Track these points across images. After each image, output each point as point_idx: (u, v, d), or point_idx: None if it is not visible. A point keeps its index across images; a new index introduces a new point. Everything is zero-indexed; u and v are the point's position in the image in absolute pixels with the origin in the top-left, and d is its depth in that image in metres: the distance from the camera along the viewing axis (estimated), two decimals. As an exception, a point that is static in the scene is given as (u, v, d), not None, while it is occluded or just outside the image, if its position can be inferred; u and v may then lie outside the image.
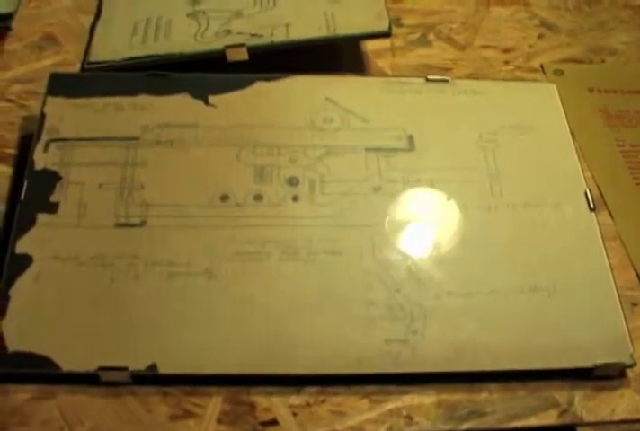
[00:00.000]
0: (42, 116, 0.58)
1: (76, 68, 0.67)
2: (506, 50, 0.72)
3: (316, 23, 0.66)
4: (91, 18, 0.71)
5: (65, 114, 0.58)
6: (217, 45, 0.65)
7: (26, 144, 0.60)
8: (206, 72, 0.62)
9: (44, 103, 0.58)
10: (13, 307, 0.50)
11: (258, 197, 0.55)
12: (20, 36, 0.69)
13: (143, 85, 0.59)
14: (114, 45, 0.66)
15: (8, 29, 0.64)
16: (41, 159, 0.56)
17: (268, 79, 0.61)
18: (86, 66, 0.65)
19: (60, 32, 0.70)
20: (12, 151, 0.61)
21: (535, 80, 0.69)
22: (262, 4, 0.68)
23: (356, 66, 0.68)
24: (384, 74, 0.68)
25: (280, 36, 0.65)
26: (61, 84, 0.59)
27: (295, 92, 0.60)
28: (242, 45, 0.64)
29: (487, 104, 0.61)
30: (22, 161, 0.58)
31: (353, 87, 0.61)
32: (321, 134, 0.58)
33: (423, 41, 0.72)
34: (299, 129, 0.58)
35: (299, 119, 0.59)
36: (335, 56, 0.68)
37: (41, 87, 0.64)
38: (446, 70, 0.69)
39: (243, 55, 0.64)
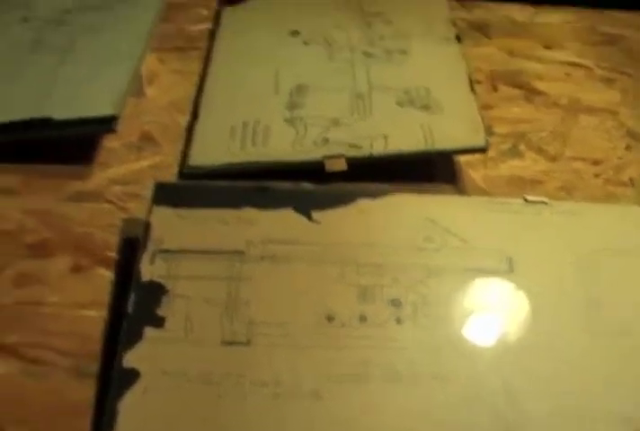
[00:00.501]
0: (148, 225, 0.58)
1: (174, 171, 0.68)
2: (595, 162, 0.73)
3: (414, 136, 0.67)
4: (187, 117, 0.73)
5: (170, 225, 0.59)
6: (316, 155, 0.66)
7: (127, 247, 0.61)
8: (302, 177, 0.63)
9: (149, 212, 0.59)
10: (122, 421, 0.50)
11: (362, 319, 0.55)
12: (119, 134, 0.70)
13: (247, 198, 0.60)
14: (213, 150, 0.67)
15: (113, 131, 0.66)
16: (148, 271, 0.56)
17: (370, 196, 0.61)
18: (185, 171, 0.67)
19: (158, 132, 0.71)
20: (113, 254, 0.61)
21: (625, 195, 0.69)
22: (358, 113, 0.69)
23: (449, 177, 0.69)
24: (477, 187, 0.68)
25: (378, 148, 0.66)
26: (166, 194, 0.60)
27: (397, 211, 0.61)
28: (341, 156, 0.65)
29: (585, 226, 0.62)
30: (125, 265, 0.59)
31: (453, 207, 0.61)
32: (421, 254, 0.59)
33: (515, 152, 0.72)
34: (400, 249, 0.59)
35: (400, 239, 0.59)
36: (429, 165, 0.69)
37: (140, 189, 0.66)
38: (538, 183, 0.70)
39: (341, 165, 0.65)
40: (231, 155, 0.67)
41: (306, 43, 0.78)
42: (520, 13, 0.90)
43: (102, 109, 0.66)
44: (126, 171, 0.68)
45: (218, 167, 0.66)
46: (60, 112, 0.67)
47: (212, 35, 0.82)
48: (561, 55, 0.85)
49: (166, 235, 0.58)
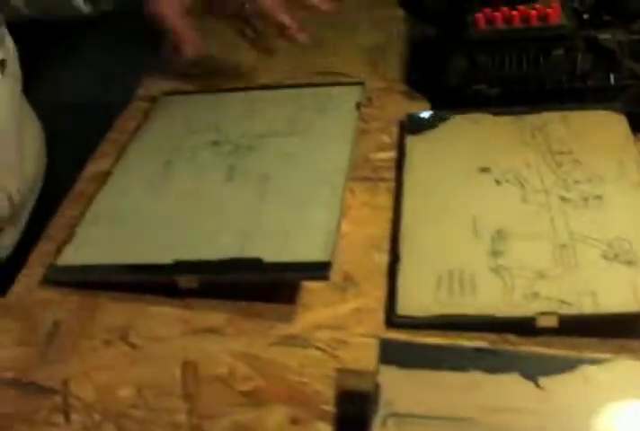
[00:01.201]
0: (377, 387, 0.58)
1: (379, 316, 0.68)
2: None
3: (623, 294, 0.66)
4: (384, 256, 0.73)
5: (398, 386, 0.59)
6: (527, 310, 0.66)
7: (344, 401, 0.61)
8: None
9: (377, 372, 0.59)
10: None
11: None
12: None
13: (472, 360, 0.60)
14: (420, 298, 0.68)
15: (327, 278, 0.66)
16: (379, 436, 0.56)
17: (594, 363, 0.61)
18: (395, 320, 0.67)
19: (358, 272, 0.72)
20: (329, 408, 0.61)
21: None
22: (563, 265, 0.69)
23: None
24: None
25: (587, 305, 0.66)
26: (392, 352, 0.60)
27: (623, 380, 0.60)
28: (554, 313, 0.65)
29: None
30: (343, 416, 0.59)
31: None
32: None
33: None
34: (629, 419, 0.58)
35: (628, 409, 0.58)
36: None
37: (349, 336, 0.66)
38: None
39: (553, 322, 0.65)
40: (440, 306, 0.67)
41: (498, 182, 0.78)
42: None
43: (316, 255, 0.67)
44: (331, 314, 0.68)
45: (428, 318, 0.66)
46: (268, 254, 0.68)
47: (398, 166, 0.83)
48: None
49: (396, 397, 0.58)
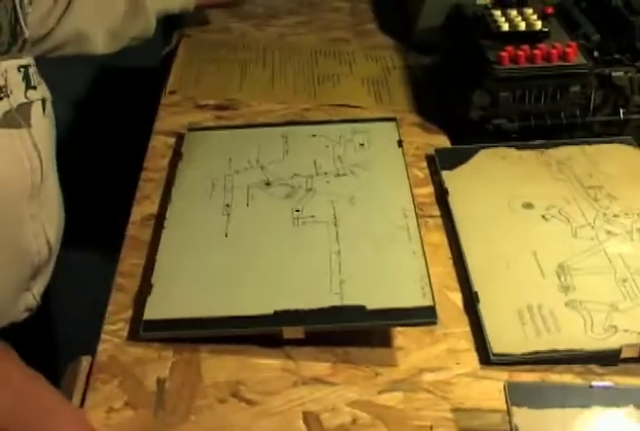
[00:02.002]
0: (516, 428, 0.62)
1: (473, 355, 0.71)
2: None
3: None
4: (457, 295, 0.77)
5: (533, 426, 0.62)
6: (611, 343, 0.71)
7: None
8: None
9: (512, 414, 0.62)
10: None
11: None
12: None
13: (591, 396, 0.64)
14: (510, 336, 0.71)
15: (434, 323, 0.69)
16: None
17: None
18: (493, 359, 0.70)
19: (439, 312, 0.74)
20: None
21: None
22: (630, 297, 0.75)
23: None
24: None
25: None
26: (520, 394, 0.64)
27: None
28: (636, 345, 0.70)
29: None
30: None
31: None
32: None
33: None
34: None
35: None
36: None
37: (452, 376, 0.69)
38: None
39: (634, 352, 0.71)
40: (530, 343, 0.71)
41: (545, 218, 0.83)
42: None
43: (418, 300, 0.70)
44: (428, 356, 0.71)
45: (523, 356, 0.70)
46: (369, 301, 0.70)
47: (439, 201, 0.86)
48: None
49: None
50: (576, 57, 0.92)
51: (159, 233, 0.79)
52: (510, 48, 0.91)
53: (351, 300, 0.70)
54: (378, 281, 0.72)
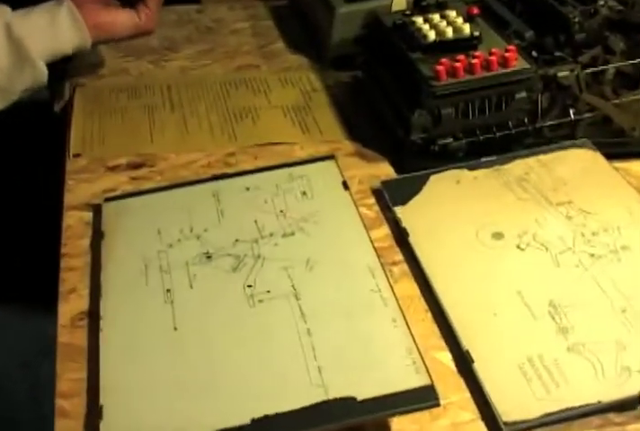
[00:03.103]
0: None
1: (479, 425, 0.63)
2: None
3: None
4: (446, 355, 0.69)
5: None
6: (628, 389, 0.64)
7: None
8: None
9: None
10: None
11: None
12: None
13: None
14: (517, 399, 0.64)
15: (437, 405, 0.61)
16: None
17: None
18: (505, 429, 0.62)
19: (436, 379, 0.66)
20: None
21: None
22: (634, 329, 0.68)
23: None
24: None
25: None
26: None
27: None
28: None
29: None
30: None
31: None
32: None
33: None
34: None
35: None
36: None
37: None
38: None
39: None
40: (542, 403, 0.63)
41: (520, 248, 0.75)
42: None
43: (412, 380, 0.61)
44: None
45: (536, 420, 0.62)
46: (358, 389, 0.61)
47: (404, 243, 0.78)
48: None
49: None
50: (517, 62, 0.84)
51: (96, 335, 0.68)
52: (445, 61, 0.83)
53: (336, 391, 0.61)
54: (362, 363, 0.63)
